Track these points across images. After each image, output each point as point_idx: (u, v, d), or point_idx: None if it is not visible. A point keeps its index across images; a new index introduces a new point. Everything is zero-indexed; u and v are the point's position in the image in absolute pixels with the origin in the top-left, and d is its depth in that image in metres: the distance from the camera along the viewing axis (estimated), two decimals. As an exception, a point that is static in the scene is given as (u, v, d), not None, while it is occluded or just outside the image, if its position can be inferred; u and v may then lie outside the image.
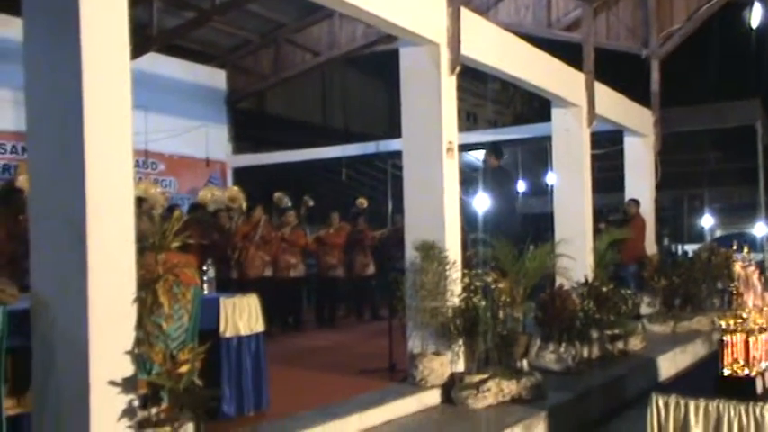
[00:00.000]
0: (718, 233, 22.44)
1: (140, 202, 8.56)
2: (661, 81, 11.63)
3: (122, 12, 3.72)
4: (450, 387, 5.74)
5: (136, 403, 3.58)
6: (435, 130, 6.13)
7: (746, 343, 4.67)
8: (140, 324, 3.64)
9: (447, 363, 5.87)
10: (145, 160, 12.58)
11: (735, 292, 4.95)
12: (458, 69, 6.34)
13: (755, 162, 13.10)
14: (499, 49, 7.31)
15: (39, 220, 3.66)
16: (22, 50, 3.78)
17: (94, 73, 3.54)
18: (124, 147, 3.70)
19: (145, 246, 3.80)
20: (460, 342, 5.92)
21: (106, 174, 3.55)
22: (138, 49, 3.64)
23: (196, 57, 13.99)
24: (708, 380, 4.88)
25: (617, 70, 11.27)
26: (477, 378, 5.68)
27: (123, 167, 3.67)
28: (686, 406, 4.55)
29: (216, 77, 14.53)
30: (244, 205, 10.58)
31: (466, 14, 6.55)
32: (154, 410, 3.78)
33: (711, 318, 9.39)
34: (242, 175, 14.46)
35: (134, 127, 3.88)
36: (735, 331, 4.66)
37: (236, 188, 12.99)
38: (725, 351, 4.68)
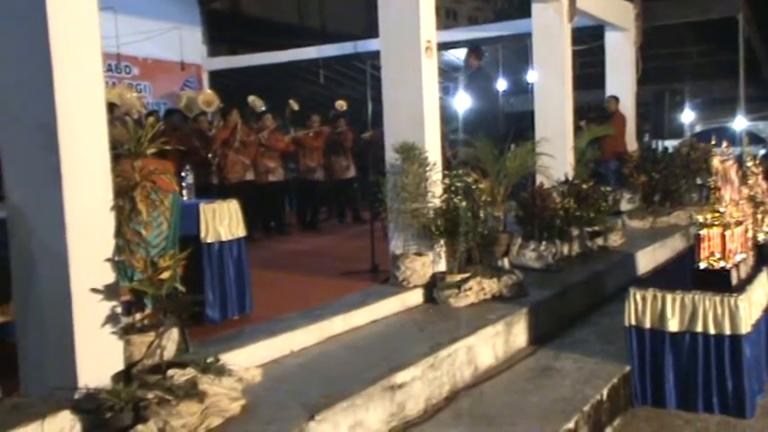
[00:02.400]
0: (699, 128, 22.50)
1: (113, 107, 8.42)
2: (643, -27, 11.37)
3: None
4: (432, 287, 5.82)
5: (119, 310, 3.59)
6: (413, 28, 5.97)
7: (723, 237, 4.76)
8: (119, 232, 3.61)
9: (429, 263, 5.93)
10: (117, 64, 12.28)
11: (713, 186, 4.99)
12: (436, -36, 6.13)
13: (737, 55, 12.99)
14: (479, -58, 7.05)
15: (7, 127, 3.55)
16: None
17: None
18: (92, 47, 3.55)
19: (120, 152, 3.73)
20: (442, 242, 5.96)
21: (74, 76, 3.43)
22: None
23: (166, -46, 13.45)
24: (685, 273, 4.99)
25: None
26: (458, 277, 5.76)
27: (92, 69, 3.54)
28: (663, 299, 4.67)
29: (187, -24, 14.04)
30: (220, 109, 10.40)
31: None
32: (138, 317, 3.81)
33: (690, 213, 9.52)
34: (218, 79, 14.20)
35: (104, 30, 3.73)
36: (711, 225, 4.73)
37: (210, 91, 12.77)
38: (701, 245, 4.77)
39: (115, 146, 3.70)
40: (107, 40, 8.84)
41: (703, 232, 4.72)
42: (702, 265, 4.75)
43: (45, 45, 3.36)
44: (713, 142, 5.74)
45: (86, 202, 3.45)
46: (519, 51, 14.12)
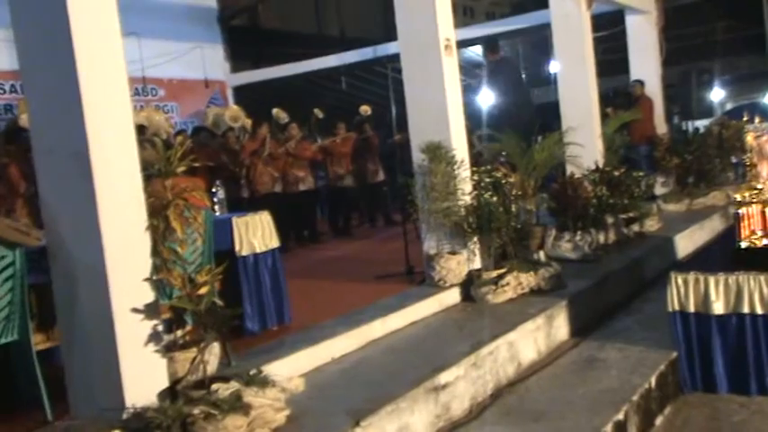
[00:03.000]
0: (729, 106, 22.12)
1: (142, 129, 8.54)
2: (661, -47, 11.22)
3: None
4: (469, 285, 5.79)
5: (160, 328, 3.63)
6: (431, 27, 5.95)
7: (763, 214, 4.67)
8: (156, 251, 3.65)
9: (464, 261, 5.91)
10: (144, 87, 12.45)
11: (749, 163, 4.90)
12: (450, -38, 6.11)
13: (763, 29, 12.76)
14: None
15: (43, 156, 3.63)
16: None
17: (79, 1, 3.43)
18: (118, 73, 3.60)
19: (151, 173, 3.77)
20: (475, 239, 5.93)
21: (103, 102, 3.48)
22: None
23: (183, -24, 13.63)
24: (726, 254, 4.91)
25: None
26: (494, 273, 5.72)
27: (120, 94, 3.59)
28: (706, 282, 4.58)
29: (205, -5, 14.20)
30: (248, 123, 10.49)
31: None
32: (179, 333, 3.84)
33: (726, 192, 9.36)
34: (242, 94, 14.32)
35: (128, 54, 3.78)
36: (750, 203, 4.65)
37: (236, 107, 12.89)
38: (741, 224, 4.69)
39: (146, 167, 3.75)
40: (132, 65, 8.97)
41: (742, 211, 4.64)
42: (744, 245, 4.67)
43: (73, 75, 3.41)
44: (745, 118, 5.64)
45: (122, 224, 3.50)
46: (538, 43, 14.06)
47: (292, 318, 5.22)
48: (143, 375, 3.54)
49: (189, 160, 3.84)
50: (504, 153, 7.10)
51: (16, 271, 3.70)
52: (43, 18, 3.55)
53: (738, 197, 4.70)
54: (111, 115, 3.54)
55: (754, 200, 4.65)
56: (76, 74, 3.42)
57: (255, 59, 15.49)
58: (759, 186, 4.72)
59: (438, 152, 5.78)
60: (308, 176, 10.28)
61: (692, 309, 4.64)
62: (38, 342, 4.01)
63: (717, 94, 18.22)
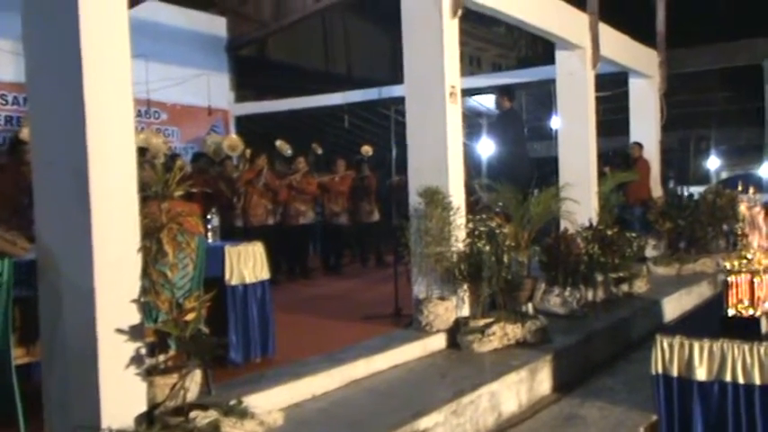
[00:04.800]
0: (724, 175, 22.35)
1: (142, 151, 8.56)
2: (666, 21, 11.43)
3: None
4: (456, 332, 5.78)
5: (143, 351, 3.61)
6: (438, 74, 6.05)
7: (751, 283, 4.67)
8: (145, 273, 3.65)
9: (452, 308, 5.91)
10: (147, 110, 12.51)
11: (740, 232, 4.94)
12: (460, 12, 6.22)
13: (762, 102, 12.96)
14: (502, -9, 7.17)
15: (41, 169, 3.64)
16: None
17: (92, 20, 3.48)
18: (124, 94, 3.65)
19: (148, 195, 3.79)
20: (465, 287, 5.95)
21: (107, 121, 3.52)
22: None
23: (196, 4, 13.79)
24: (712, 321, 4.90)
25: (621, 10, 11.06)
26: (482, 322, 5.72)
27: (124, 115, 3.63)
28: (690, 347, 4.58)
29: (216, 25, 14.35)
30: (248, 152, 10.53)
31: (468, -45, 6.41)
32: (161, 358, 3.82)
33: (716, 260, 9.40)
34: (245, 124, 14.40)
35: (135, 76, 3.82)
36: (740, 272, 4.66)
37: (234, 136, 12.94)
38: (729, 292, 4.69)
39: (143, 188, 3.76)
40: (138, 86, 9.01)
41: (731, 279, 4.65)
42: (731, 312, 4.67)
43: (79, 93, 3.45)
44: (740, 188, 5.69)
45: (114, 243, 3.50)
46: (541, 97, 14.24)
47: (276, 351, 5.19)
48: (122, 397, 3.51)
49: (187, 185, 3.86)
50: (500, 203, 7.13)
51: (2, 282, 3.67)
52: (55, 32, 3.60)
53: (728, 265, 4.72)
54: (114, 134, 3.57)
55: (744, 269, 4.67)
56: (83, 92, 3.46)
57: (260, 91, 15.61)
58: (749, 256, 4.74)
59: (435, 197, 5.82)
60: (309, 211, 10.31)
61: (675, 373, 4.63)
62: (17, 356, 3.96)
63: (713, 163, 18.42)
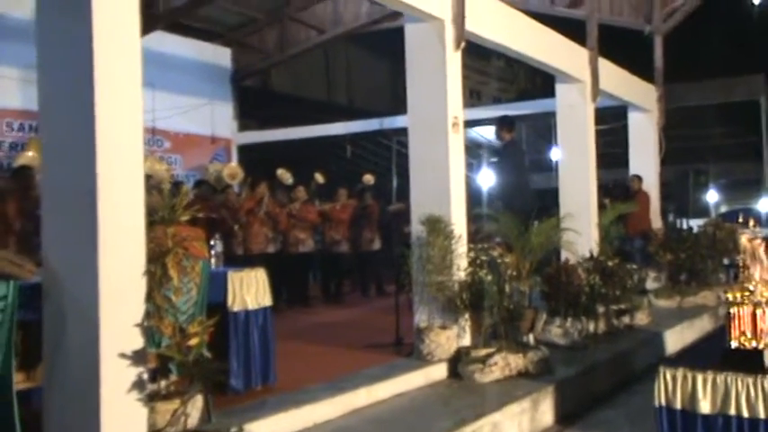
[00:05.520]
0: (723, 209, 22.42)
1: (147, 178, 8.59)
2: (665, 56, 11.57)
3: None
4: (457, 361, 5.77)
5: (145, 376, 3.61)
6: (441, 105, 6.11)
7: (753, 316, 4.68)
8: (150, 297, 3.65)
9: (453, 337, 5.90)
10: (151, 137, 12.58)
11: (741, 264, 4.95)
12: (462, 45, 6.30)
13: (760, 137, 13.05)
14: (503, 25, 7.27)
15: (50, 193, 3.67)
16: (35, 27, 3.77)
17: (106, 49, 3.54)
18: (134, 122, 3.70)
19: (154, 219, 3.81)
20: (467, 316, 5.94)
21: (116, 148, 3.56)
22: (145, 27, 3.65)
23: (201, 35, 13.95)
24: (715, 353, 4.89)
25: (620, 45, 11.20)
26: (483, 352, 5.71)
27: (133, 142, 3.67)
28: (694, 379, 4.56)
29: (221, 55, 14.49)
30: (249, 180, 10.57)
31: (470, -11, 6.50)
32: (163, 383, 3.81)
33: (717, 293, 9.40)
34: (247, 153, 14.47)
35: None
36: (742, 304, 4.66)
37: (234, 164, 12.98)
38: (732, 324, 4.69)
39: (150, 212, 3.79)
40: (144, 114, 9.10)
41: (733, 311, 4.66)
42: (734, 345, 4.67)
43: (91, 120, 3.49)
44: (740, 220, 5.72)
45: (120, 266, 3.52)
46: (541, 130, 14.35)
47: (277, 378, 5.17)
48: (123, 423, 3.50)
49: (193, 210, 3.88)
50: (501, 233, 7.14)
51: (8, 305, 3.67)
52: (69, 60, 3.65)
53: (730, 297, 4.72)
54: (123, 160, 3.61)
55: (746, 301, 4.67)
56: (94, 118, 3.50)
57: (263, 120, 15.72)
58: (751, 288, 4.75)
59: (437, 225, 5.84)
60: (309, 239, 10.33)
61: (678, 405, 4.61)
62: (18, 381, 3.94)
63: (712, 196, 18.49)
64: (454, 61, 6.23)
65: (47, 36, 3.78)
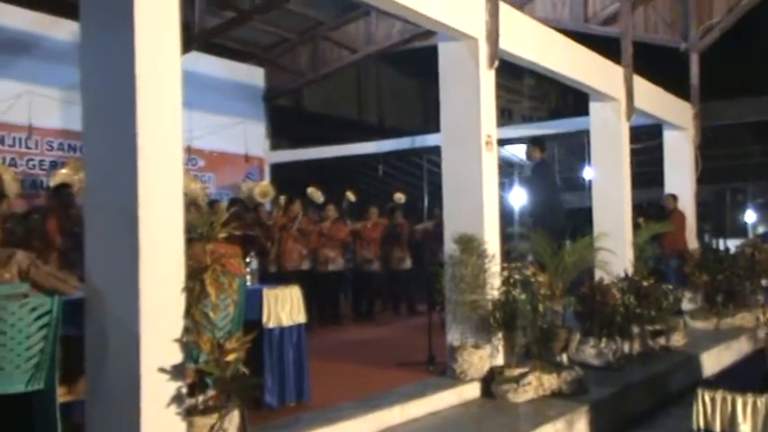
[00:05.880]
0: (761, 229, 22.05)
1: (183, 196, 8.72)
2: (701, 73, 11.47)
3: (174, 12, 3.80)
4: (490, 381, 5.74)
5: (184, 391, 3.66)
6: (474, 123, 6.14)
7: (794, 337, 4.61)
8: (188, 313, 3.71)
9: (486, 356, 5.88)
10: (187, 156, 12.76)
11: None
12: (496, 63, 6.33)
13: (799, 156, 12.85)
14: (537, 43, 7.29)
15: (93, 211, 3.76)
16: (79, 50, 3.89)
17: (148, 70, 3.63)
18: (174, 142, 3.78)
19: (193, 236, 3.88)
20: (500, 335, 5.92)
21: (157, 167, 3.64)
22: (181, 47, 3.77)
23: (235, 55, 14.15)
24: (754, 376, 4.82)
25: (655, 63, 11.13)
26: (517, 372, 5.68)
27: (173, 160, 3.75)
28: (733, 402, 4.49)
29: (254, 75, 14.68)
30: (282, 199, 10.66)
31: (504, 9, 6.54)
32: (201, 398, 3.85)
33: (756, 314, 9.25)
34: (279, 171, 14.59)
35: (180, 124, 3.96)
36: (782, 325, 4.60)
37: (266, 183, 13.09)
38: (771, 345, 4.62)
39: (189, 229, 3.85)
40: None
41: (773, 332, 4.59)
42: (773, 367, 4.60)
43: (132, 138, 3.59)
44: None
45: (160, 283, 3.58)
46: (574, 148, 14.26)
47: (311, 395, 5.19)
48: (162, 436, 3.54)
49: (231, 227, 3.94)
50: (534, 252, 7.12)
51: (52, 319, 3.77)
52: (112, 81, 3.76)
53: (770, 318, 4.66)
54: (164, 179, 3.69)
55: (787, 322, 4.61)
56: (136, 136, 3.59)
57: (295, 139, 15.88)
58: (791, 309, 4.68)
59: (470, 244, 5.85)
60: (339, 258, 10.39)
61: (718, 428, 4.54)
62: (60, 394, 4.02)
63: (750, 216, 18.20)
64: (488, 79, 6.26)
65: (90, 57, 3.89)
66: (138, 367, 3.48)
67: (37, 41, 10.31)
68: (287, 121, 15.65)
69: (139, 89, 3.60)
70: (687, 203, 11.51)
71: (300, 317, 5.19)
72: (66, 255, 7.41)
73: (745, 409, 4.47)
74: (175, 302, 3.66)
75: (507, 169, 14.55)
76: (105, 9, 3.78)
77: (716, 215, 13.17)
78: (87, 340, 3.71)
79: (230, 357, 3.65)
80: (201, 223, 3.85)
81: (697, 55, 11.45)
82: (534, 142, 8.48)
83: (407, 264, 11.49)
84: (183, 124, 3.87)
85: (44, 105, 10.30)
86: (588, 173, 12.13)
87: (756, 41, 14.32)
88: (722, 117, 12.05)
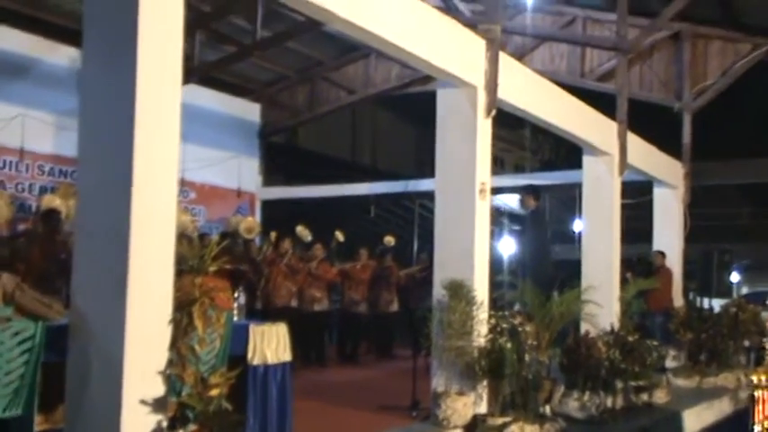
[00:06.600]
0: (745, 290, 22.16)
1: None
2: (693, 133, 11.63)
3: (177, 44, 3.84)
4: (473, 428, 5.69)
5: (165, 424, 3.60)
6: (469, 170, 6.18)
7: (778, 400, 4.61)
8: (174, 345, 3.68)
9: (470, 404, 5.83)
10: (179, 188, 12.76)
11: (767, 347, 4.90)
12: (493, 112, 6.41)
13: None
14: (535, 94, 7.38)
15: (83, 237, 3.74)
16: (79, 76, 3.91)
17: (148, 102, 3.65)
18: (170, 173, 3.79)
19: (182, 268, 3.86)
20: (485, 383, 5.89)
21: (151, 197, 3.64)
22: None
23: (233, 89, 14.25)
24: (737, 436, 4.82)
25: (649, 121, 11.28)
26: (500, 421, 5.63)
27: (168, 191, 3.75)
28: (715, 461, 4.48)
29: (250, 110, 14.77)
30: (272, 235, 10.65)
31: (503, 58, 6.64)
32: (181, 433, 3.80)
33: (738, 375, 9.23)
34: (270, 207, 14.60)
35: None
36: (767, 387, 4.61)
37: (251, 218, 13.07)
38: (756, 407, 4.63)
39: (179, 261, 3.84)
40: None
41: (758, 394, 4.60)
42: (757, 429, 4.60)
43: (128, 167, 3.58)
44: (767, 302, 5.68)
45: (147, 313, 3.56)
46: (564, 201, 14.38)
47: (292, 436, 5.13)
48: (139, 471, 3.48)
49: (222, 261, 3.93)
50: (522, 301, 7.13)
51: (35, 345, 3.73)
52: (111, 109, 3.77)
53: (755, 379, 4.67)
54: (158, 209, 3.69)
55: (771, 384, 4.61)
56: (132, 165, 3.59)
57: (288, 176, 15.94)
58: (776, 371, 4.69)
59: (459, 290, 5.84)
60: (325, 298, 10.36)
61: (699, 488, 4.52)
62: (37, 423, 3.97)
63: (735, 276, 18.30)
64: (485, 128, 6.32)
65: (90, 84, 3.91)
66: (119, 398, 3.43)
67: (34, 65, 10.33)
68: (281, 158, 15.71)
69: (138, 118, 3.61)
70: (675, 261, 11.57)
71: (286, 355, 5.15)
72: (51, 280, 7.35)
73: (727, 470, 4.45)
74: (161, 334, 3.63)
75: (497, 218, 14.60)
76: (108, 36, 3.80)
77: (702, 274, 13.22)
78: (69, 368, 3.66)
79: (213, 392, 3.61)
80: (192, 256, 3.84)
81: (690, 115, 11.63)
82: (529, 190, 8.53)
83: (395, 307, 11.47)
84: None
85: (37, 129, 10.30)
86: (578, 225, 12.21)
87: (749, 105, 14.56)
88: (712, 177, 12.19)
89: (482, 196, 6.15)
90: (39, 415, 4.01)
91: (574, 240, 13.36)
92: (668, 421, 7.39)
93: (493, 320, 5.98)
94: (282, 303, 9.52)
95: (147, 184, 3.63)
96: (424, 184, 12.75)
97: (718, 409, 8.50)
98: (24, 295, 3.79)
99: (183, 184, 12.71)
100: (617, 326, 8.05)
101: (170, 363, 3.65)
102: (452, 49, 6.06)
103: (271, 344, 5.06)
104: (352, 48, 13.06)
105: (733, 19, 11.36)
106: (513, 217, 15.52)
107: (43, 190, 10.77)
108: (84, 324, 3.63)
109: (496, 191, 13.30)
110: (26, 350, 3.70)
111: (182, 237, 6.76)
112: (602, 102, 9.43)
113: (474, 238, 6.06)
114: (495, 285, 8.92)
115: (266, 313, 9.07)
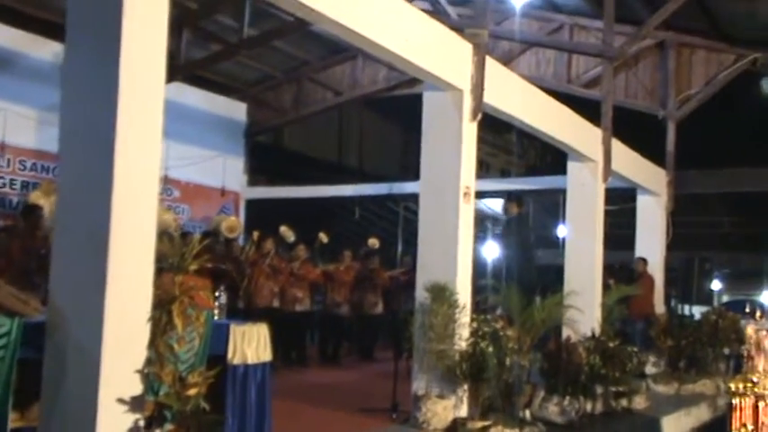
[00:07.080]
0: (725, 298, 22.32)
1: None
2: (677, 142, 11.71)
3: (161, 41, 3.81)
4: (453, 431, 5.69)
5: (141, 423, 3.57)
6: (454, 174, 6.19)
7: (756, 408, 4.65)
8: (152, 344, 3.65)
9: (450, 407, 5.83)
10: (163, 186, 12.67)
11: (746, 355, 4.93)
12: (479, 116, 6.42)
13: (766, 229, 13.08)
14: (521, 99, 7.41)
15: (63, 233, 3.70)
16: (61, 71, 3.87)
17: (130, 98, 3.62)
18: (151, 170, 3.76)
19: (162, 266, 3.83)
20: (465, 387, 5.89)
21: (132, 194, 3.61)
22: (165, 77, 3.78)
23: (218, 88, 14.17)
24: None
25: (633, 128, 11.34)
26: (480, 425, 5.64)
27: (149, 189, 3.73)
28: (693, 467, 4.50)
29: (236, 110, 14.70)
30: (255, 235, 10.60)
31: (489, 63, 6.65)
32: (158, 432, 3.76)
33: (717, 382, 9.30)
34: (255, 207, 14.53)
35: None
36: (744, 395, 4.64)
37: (234, 218, 13.00)
38: (733, 415, 4.66)
39: (159, 259, 3.81)
40: (156, 161, 9.19)
41: (736, 401, 4.63)
42: (734, 436, 4.62)
43: (109, 163, 3.56)
44: (747, 310, 5.72)
45: (126, 311, 3.52)
46: (548, 206, 14.43)
47: (271, 437, 5.09)
48: (115, 470, 3.45)
49: (203, 260, 3.90)
50: (504, 306, 7.14)
51: (10, 342, 3.67)
52: (92, 105, 3.74)
53: (733, 387, 4.70)
54: (138, 206, 3.66)
55: (749, 392, 4.64)
56: (113, 162, 3.56)
57: (273, 176, 15.87)
58: (754, 379, 4.72)
59: (442, 293, 5.84)
60: (306, 298, 10.31)
61: (676, 494, 4.54)
62: (12, 420, 3.91)
63: (716, 284, 18.45)
64: (470, 131, 6.33)
65: (72, 79, 3.87)
66: (95, 396, 3.40)
67: (16, 59, 10.21)
68: (266, 157, 15.65)
69: (120, 115, 3.58)
70: (656, 268, 11.63)
71: (266, 355, 5.11)
72: (31, 276, 7.27)
73: (704, 477, 4.47)
74: (140, 332, 3.60)
75: (481, 222, 14.62)
76: (92, 32, 3.77)
77: (683, 281, 13.31)
78: (45, 365, 3.62)
79: (192, 392, 3.59)
80: (173, 254, 3.81)
81: (674, 123, 11.71)
82: (512, 198, 8.55)
83: (379, 309, 11.45)
84: (162, 153, 3.85)
85: (19, 124, 10.18)
86: (562, 231, 12.25)
87: (732, 115, 14.68)
88: (695, 186, 12.28)
89: (466, 200, 6.16)
90: (13, 412, 3.94)
91: (557, 245, 13.40)
92: (647, 427, 7.43)
93: (475, 324, 5.99)
94: (264, 303, 9.47)
95: (127, 182, 3.59)
96: (409, 187, 12.75)
97: (697, 416, 8.56)
98: (1, 291, 3.74)
99: (167, 182, 12.63)
100: (598, 331, 8.07)
101: (148, 361, 3.62)
102: (439, 53, 6.07)
103: (251, 344, 5.01)
104: (339, 49, 13.04)
105: (717, 30, 11.46)
106: (497, 221, 15.55)
107: (25, 185, 10.66)
108: (62, 321, 3.59)
109: (481, 195, 13.38)
110: (1, 346, 3.64)
111: (163, 235, 6.72)
112: (587, 108, 9.47)
113: (457, 242, 6.07)
114: (477, 289, 8.93)
115: (248, 313, 9.00)
